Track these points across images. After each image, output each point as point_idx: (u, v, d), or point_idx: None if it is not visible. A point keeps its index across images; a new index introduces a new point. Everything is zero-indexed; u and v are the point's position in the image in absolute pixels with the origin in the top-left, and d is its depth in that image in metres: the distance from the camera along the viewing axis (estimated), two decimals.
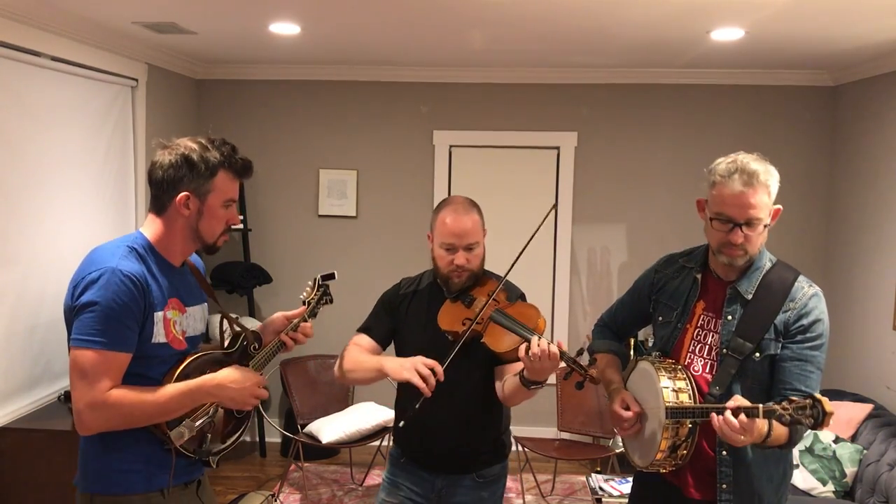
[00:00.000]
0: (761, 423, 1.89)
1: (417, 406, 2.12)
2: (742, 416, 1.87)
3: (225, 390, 1.94)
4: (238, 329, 2.14)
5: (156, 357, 1.91)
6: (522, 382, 2.14)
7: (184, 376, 1.92)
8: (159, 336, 1.90)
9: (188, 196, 1.93)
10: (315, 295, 2.34)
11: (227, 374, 1.96)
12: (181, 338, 1.97)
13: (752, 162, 2.04)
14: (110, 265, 1.84)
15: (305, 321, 2.26)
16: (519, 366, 2.14)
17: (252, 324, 4.97)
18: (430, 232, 2.40)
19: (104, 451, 1.91)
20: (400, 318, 2.46)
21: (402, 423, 2.22)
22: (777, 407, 1.83)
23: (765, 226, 2.05)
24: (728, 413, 1.89)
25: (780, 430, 1.95)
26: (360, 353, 2.40)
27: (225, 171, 1.96)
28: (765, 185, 2.02)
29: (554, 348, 2.03)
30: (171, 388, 1.88)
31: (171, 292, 1.97)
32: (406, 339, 2.46)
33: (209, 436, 1.99)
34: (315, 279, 2.37)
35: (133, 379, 1.86)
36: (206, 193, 1.95)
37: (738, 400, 1.93)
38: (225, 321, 2.14)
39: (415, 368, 2.12)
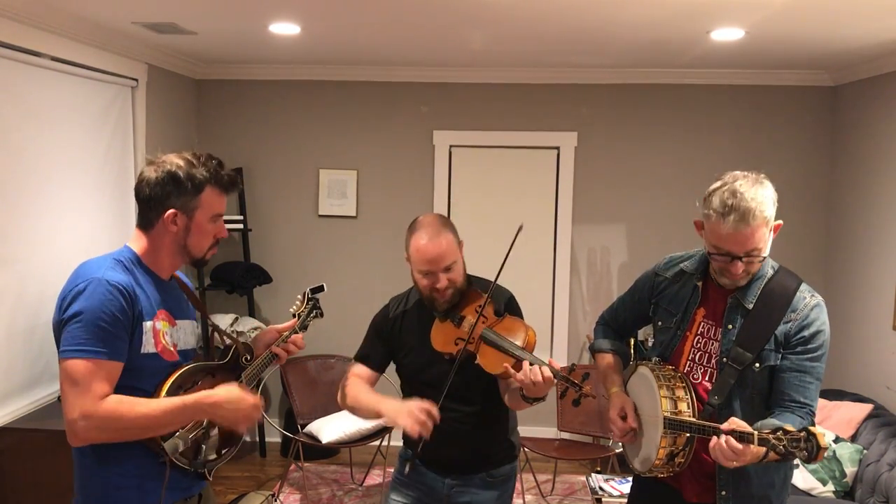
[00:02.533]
0: (756, 448, 1.85)
1: (420, 448, 2.18)
2: (733, 443, 1.83)
3: (220, 409, 1.92)
4: (229, 341, 2.13)
5: (147, 368, 1.89)
6: (523, 398, 2.15)
7: (175, 386, 1.90)
8: (148, 346, 1.88)
9: (175, 213, 1.93)
10: (305, 308, 2.35)
11: (225, 394, 1.93)
12: (172, 349, 1.95)
13: (748, 193, 1.94)
14: (96, 276, 1.84)
15: (297, 333, 2.27)
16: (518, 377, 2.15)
17: (252, 324, 4.99)
18: (407, 254, 2.36)
19: (98, 466, 1.88)
20: (394, 342, 2.46)
21: (407, 470, 2.28)
22: (771, 437, 1.79)
23: (765, 255, 2.03)
24: (723, 439, 1.86)
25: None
26: (361, 390, 2.41)
27: (212, 186, 1.96)
28: (762, 219, 1.95)
29: (547, 371, 2.03)
30: (167, 402, 1.85)
31: (160, 304, 1.96)
32: (403, 360, 2.46)
33: (204, 447, 1.97)
34: (304, 293, 2.39)
35: (125, 391, 1.83)
36: (193, 210, 1.94)
37: (734, 423, 1.89)
38: (216, 334, 2.13)
39: (411, 416, 2.12)
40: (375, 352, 2.48)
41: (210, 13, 3.66)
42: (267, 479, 4.84)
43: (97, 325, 1.79)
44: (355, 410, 2.41)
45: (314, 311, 2.38)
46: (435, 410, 2.14)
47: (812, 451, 1.75)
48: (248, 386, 2.11)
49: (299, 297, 2.38)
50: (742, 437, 1.83)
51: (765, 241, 2.01)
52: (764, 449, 1.84)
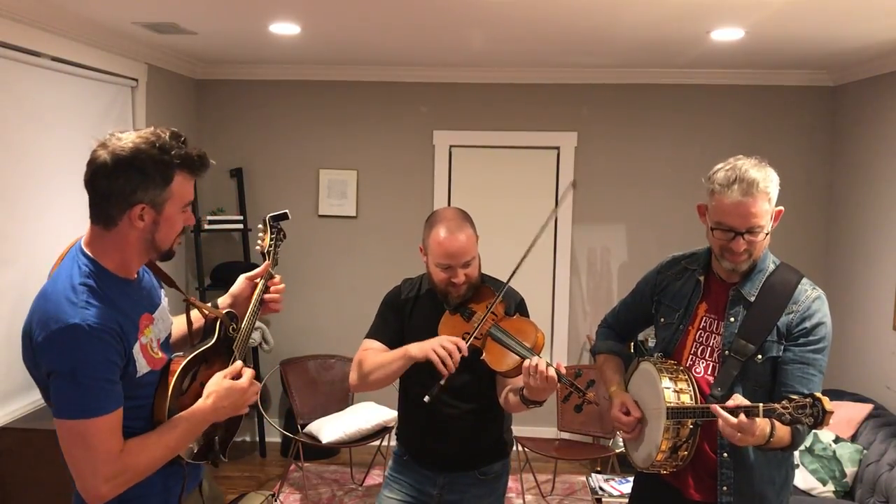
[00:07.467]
0: (763, 423, 1.88)
1: (442, 382, 2.16)
2: (742, 416, 1.86)
3: (221, 410, 1.82)
4: (209, 314, 1.93)
5: (144, 385, 1.75)
6: (523, 401, 2.16)
7: (177, 390, 1.78)
8: (142, 368, 1.72)
9: (143, 208, 1.67)
10: (271, 241, 2.16)
11: (219, 396, 1.80)
12: (158, 353, 1.80)
13: (751, 169, 2.01)
14: (74, 321, 1.58)
15: (272, 276, 2.09)
16: (519, 379, 2.15)
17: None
18: (423, 246, 2.36)
19: None
20: (404, 322, 2.46)
21: (427, 399, 2.19)
22: (777, 406, 1.83)
23: (766, 233, 2.05)
24: (723, 410, 1.89)
25: (782, 432, 1.95)
26: (379, 353, 2.36)
27: (182, 173, 1.70)
28: (764, 192, 2.00)
29: (552, 371, 2.04)
30: (175, 430, 1.73)
31: (138, 310, 1.75)
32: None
33: (216, 438, 1.93)
34: (265, 222, 2.19)
35: (128, 412, 1.69)
36: (163, 203, 1.69)
37: (738, 399, 1.93)
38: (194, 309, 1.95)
39: (441, 346, 2.15)
40: (388, 327, 2.45)
41: (210, 13, 3.66)
42: (267, 479, 4.84)
43: (95, 379, 1.59)
44: (376, 372, 2.31)
45: (279, 239, 2.16)
46: (463, 345, 2.16)
47: (818, 415, 1.79)
48: (241, 354, 1.97)
49: (260, 226, 2.16)
50: (748, 411, 1.87)
51: (766, 218, 2.03)
52: (768, 425, 1.88)
